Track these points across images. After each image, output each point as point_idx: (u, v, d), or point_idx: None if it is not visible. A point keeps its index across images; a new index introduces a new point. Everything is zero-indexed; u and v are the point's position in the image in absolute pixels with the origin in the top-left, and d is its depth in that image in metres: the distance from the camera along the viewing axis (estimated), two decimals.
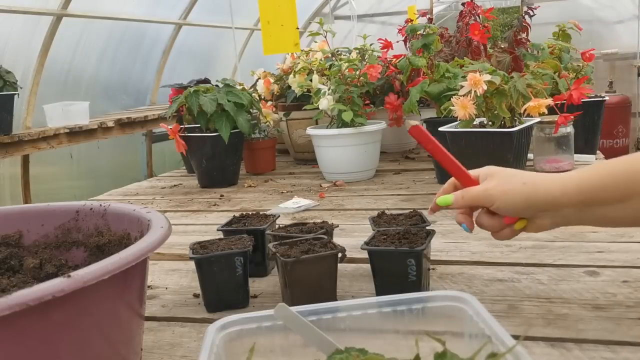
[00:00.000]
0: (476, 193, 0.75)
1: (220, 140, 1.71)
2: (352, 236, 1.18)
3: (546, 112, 1.26)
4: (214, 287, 0.85)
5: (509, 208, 0.72)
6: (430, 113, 1.74)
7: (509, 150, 1.25)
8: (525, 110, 1.27)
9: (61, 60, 3.87)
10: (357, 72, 1.76)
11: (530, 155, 1.54)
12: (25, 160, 3.52)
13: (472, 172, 0.80)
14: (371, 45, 1.96)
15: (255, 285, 0.95)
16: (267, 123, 2.00)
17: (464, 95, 1.28)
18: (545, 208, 0.71)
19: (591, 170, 0.70)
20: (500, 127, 1.30)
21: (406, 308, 0.54)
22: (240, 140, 1.82)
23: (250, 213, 1.06)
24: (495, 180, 0.74)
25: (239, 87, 1.86)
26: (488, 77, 1.27)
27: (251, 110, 1.85)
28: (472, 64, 1.45)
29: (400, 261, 0.80)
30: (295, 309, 0.51)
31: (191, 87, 1.81)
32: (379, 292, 0.83)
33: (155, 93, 4.89)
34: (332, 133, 1.69)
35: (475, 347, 0.50)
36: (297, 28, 2.28)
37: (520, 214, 0.73)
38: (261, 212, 1.07)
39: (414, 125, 0.80)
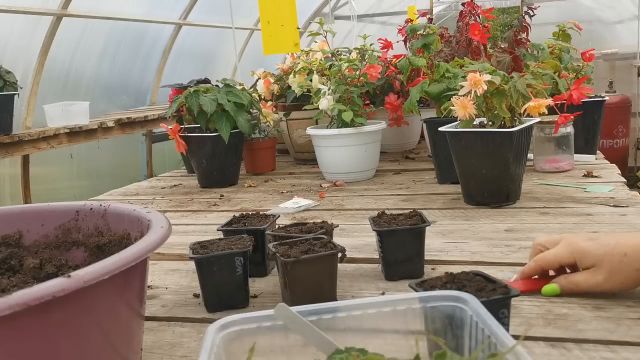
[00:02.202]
0: (588, 287, 0.76)
1: (220, 140, 1.71)
2: (352, 236, 1.18)
3: (546, 112, 1.26)
4: (214, 287, 0.85)
5: (624, 291, 0.76)
6: (430, 113, 1.74)
7: (509, 150, 1.25)
8: (525, 110, 1.27)
9: (61, 60, 3.87)
10: (357, 72, 1.76)
11: (530, 155, 1.54)
12: (25, 160, 3.52)
13: (547, 240, 0.83)
14: (371, 45, 1.96)
15: (255, 285, 0.95)
16: (267, 123, 2.00)
17: (464, 95, 1.28)
18: None
19: None
20: (500, 127, 1.30)
21: (406, 308, 0.54)
22: (240, 140, 1.82)
23: (250, 213, 1.06)
24: (604, 272, 0.74)
25: (239, 87, 1.86)
26: (488, 77, 1.26)
27: (251, 110, 1.85)
28: (472, 64, 1.45)
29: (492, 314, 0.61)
30: (295, 309, 0.51)
31: (191, 87, 1.81)
32: None
33: (155, 93, 4.89)
34: (332, 133, 1.69)
35: (475, 347, 0.50)
36: (297, 28, 2.28)
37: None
38: (261, 212, 1.07)
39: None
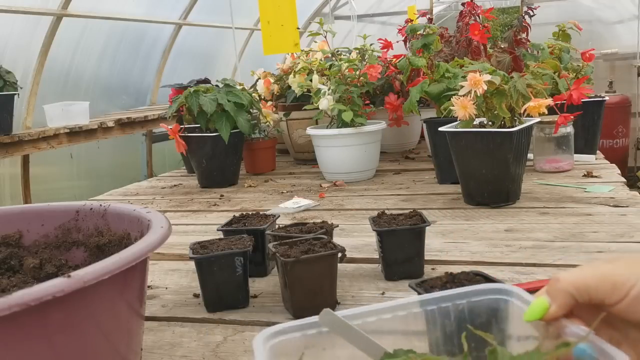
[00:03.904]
0: (584, 276, 0.46)
1: (220, 140, 1.71)
2: (352, 236, 1.18)
3: (546, 112, 1.26)
4: (214, 287, 0.85)
5: None
6: (430, 113, 1.74)
7: (509, 150, 1.25)
8: (525, 110, 1.27)
9: (61, 60, 3.87)
10: (357, 72, 1.76)
11: (530, 155, 1.54)
12: (25, 160, 3.52)
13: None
14: (371, 45, 1.96)
15: (255, 285, 0.95)
16: (267, 123, 2.00)
17: (464, 95, 1.28)
18: None
19: None
20: (500, 127, 1.30)
21: (450, 304, 0.53)
22: (240, 140, 1.82)
23: (250, 213, 1.06)
24: (620, 261, 0.46)
25: (239, 87, 1.86)
26: (488, 77, 1.26)
27: (251, 110, 1.85)
28: (472, 64, 1.45)
29: None
30: (339, 313, 0.50)
31: (191, 87, 1.81)
32: None
33: (155, 93, 4.89)
34: (332, 133, 1.69)
35: (523, 339, 0.49)
36: (297, 28, 2.28)
37: None
38: (261, 212, 1.07)
39: None
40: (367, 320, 0.51)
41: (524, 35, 1.79)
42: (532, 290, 0.81)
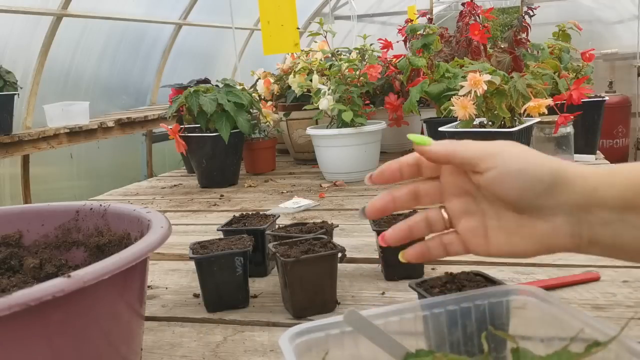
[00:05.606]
0: (467, 146, 0.51)
1: (220, 140, 1.71)
2: (352, 236, 1.18)
3: (546, 112, 1.26)
4: (214, 287, 0.85)
5: (515, 177, 0.48)
6: (430, 113, 1.74)
7: None
8: (525, 110, 1.27)
9: (61, 60, 3.87)
10: (357, 72, 1.76)
11: None
12: (25, 160, 3.52)
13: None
14: (371, 45, 1.96)
15: (255, 285, 0.95)
16: (267, 123, 2.00)
17: (464, 95, 1.28)
18: (573, 198, 0.47)
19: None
20: (500, 127, 1.30)
21: (472, 305, 0.53)
22: (240, 140, 1.82)
23: (250, 213, 1.06)
24: (500, 144, 0.51)
25: (239, 87, 1.86)
26: (488, 77, 1.27)
27: (251, 110, 1.85)
28: (472, 64, 1.45)
29: None
30: (363, 313, 0.51)
31: (191, 87, 1.81)
32: None
33: (155, 93, 4.89)
34: (332, 133, 1.69)
35: (548, 340, 0.50)
36: (297, 28, 2.28)
37: (527, 194, 0.48)
38: (261, 212, 1.07)
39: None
40: (390, 320, 0.51)
41: (524, 35, 1.79)
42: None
